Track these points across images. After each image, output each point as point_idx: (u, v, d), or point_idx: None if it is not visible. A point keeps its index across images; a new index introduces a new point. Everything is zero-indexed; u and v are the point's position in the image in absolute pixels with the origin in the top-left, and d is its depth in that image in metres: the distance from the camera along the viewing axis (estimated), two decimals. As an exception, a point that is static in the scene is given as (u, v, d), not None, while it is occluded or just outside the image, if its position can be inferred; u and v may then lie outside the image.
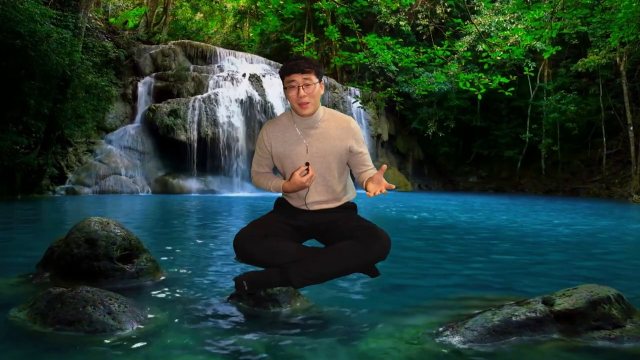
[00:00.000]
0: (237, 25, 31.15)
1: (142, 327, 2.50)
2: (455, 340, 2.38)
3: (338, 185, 2.23)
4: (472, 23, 11.88)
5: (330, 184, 2.21)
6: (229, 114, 19.45)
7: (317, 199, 2.22)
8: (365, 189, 2.09)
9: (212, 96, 19.51)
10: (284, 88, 2.15)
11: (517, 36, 9.96)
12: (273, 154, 2.23)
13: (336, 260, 2.10)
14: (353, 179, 2.42)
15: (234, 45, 29.31)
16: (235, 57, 23.28)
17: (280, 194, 2.38)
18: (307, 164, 2.10)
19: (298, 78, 2.08)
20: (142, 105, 19.79)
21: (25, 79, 13.58)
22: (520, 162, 25.34)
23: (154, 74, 20.70)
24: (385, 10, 23.84)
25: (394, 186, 2.03)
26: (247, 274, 2.24)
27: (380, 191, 1.96)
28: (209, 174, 18.86)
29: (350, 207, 2.32)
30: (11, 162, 13.32)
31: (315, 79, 2.11)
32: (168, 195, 16.95)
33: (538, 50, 18.87)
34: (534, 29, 9.38)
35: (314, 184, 2.17)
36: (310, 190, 2.19)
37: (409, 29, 24.40)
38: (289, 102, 2.18)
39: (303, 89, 2.08)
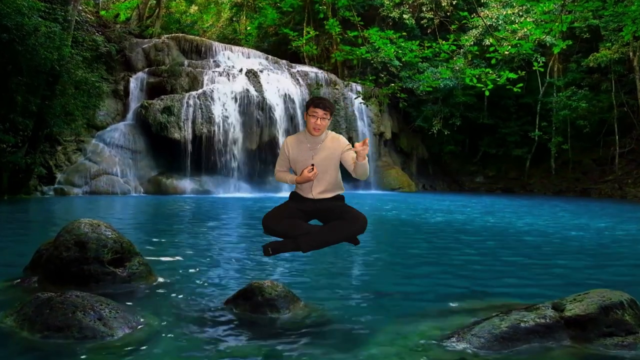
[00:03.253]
0: (234, 19, 30.65)
1: (134, 333, 2.49)
2: (461, 347, 2.34)
3: (332, 181, 3.04)
4: (479, 16, 11.65)
5: (327, 180, 3.01)
6: (225, 111, 18.92)
7: (319, 189, 3.01)
8: (356, 155, 2.83)
9: (208, 92, 19.00)
10: (307, 113, 3.01)
11: (525, 30, 9.84)
12: (290, 158, 3.07)
13: (331, 233, 2.92)
14: (344, 180, 3.24)
15: (230, 39, 28.84)
16: (232, 51, 22.70)
17: (294, 188, 3.22)
18: (313, 165, 2.94)
19: (320, 112, 2.94)
20: (134, 102, 19.27)
21: (12, 75, 13.22)
22: (529, 161, 24.67)
23: (146, 69, 20.17)
24: (388, 2, 23.22)
25: (367, 144, 2.77)
26: (271, 242, 3.00)
27: (363, 149, 2.74)
28: (204, 174, 18.38)
29: (340, 198, 3.10)
30: (-3, 161, 12.96)
31: (329, 117, 2.99)
32: (161, 195, 16.59)
33: (548, 45, 18.31)
34: (543, 22, 9.17)
35: (317, 179, 2.98)
36: (314, 184, 3.00)
37: (413, 23, 23.81)
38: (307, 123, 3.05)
39: (320, 120, 2.94)
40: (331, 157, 2.95)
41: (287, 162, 3.08)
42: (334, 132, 3.08)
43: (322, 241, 2.92)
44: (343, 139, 3.05)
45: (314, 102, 2.96)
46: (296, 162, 3.02)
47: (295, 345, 2.40)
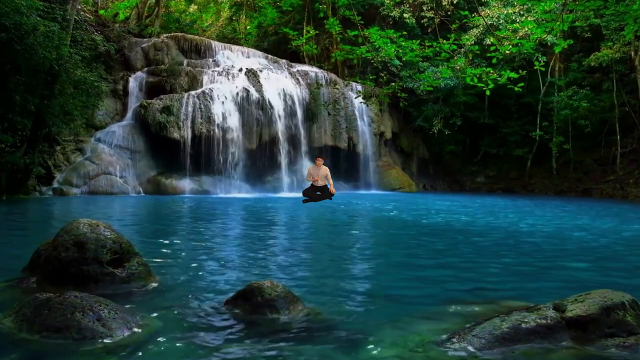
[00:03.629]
0: (233, 18, 30.57)
1: (133, 334, 2.47)
2: (462, 348, 2.32)
3: (325, 180, 7.61)
4: (480, 15, 11.54)
5: (322, 181, 7.58)
6: (225, 110, 18.80)
7: (319, 184, 7.60)
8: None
9: (207, 92, 18.89)
10: (317, 158, 8.04)
11: (526, 29, 9.79)
12: (310, 173, 7.69)
13: (323, 196, 7.77)
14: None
15: (230, 38, 28.75)
16: (231, 51, 22.61)
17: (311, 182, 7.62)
18: (318, 175, 7.55)
19: (320, 160, 7.86)
20: (133, 102, 19.18)
21: (10, 74, 13.16)
22: (530, 161, 24.57)
23: (145, 69, 20.09)
24: (388, 1, 23.11)
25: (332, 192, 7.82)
26: (305, 199, 7.91)
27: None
28: (203, 174, 18.28)
29: (326, 185, 7.61)
30: (-5, 161, 12.92)
31: (324, 160, 8.13)
32: (160, 196, 16.52)
33: (549, 44, 18.19)
34: (544, 22, 9.14)
35: (319, 181, 7.57)
36: (318, 182, 7.58)
37: (414, 22, 23.73)
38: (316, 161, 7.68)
39: (321, 161, 7.87)
40: (324, 174, 6.98)
41: (309, 173, 6.86)
42: (325, 166, 7.28)
43: (320, 199, 7.26)
44: (327, 168, 7.12)
45: (318, 155, 7.75)
46: (312, 175, 7.03)
47: (295, 346, 2.37)
